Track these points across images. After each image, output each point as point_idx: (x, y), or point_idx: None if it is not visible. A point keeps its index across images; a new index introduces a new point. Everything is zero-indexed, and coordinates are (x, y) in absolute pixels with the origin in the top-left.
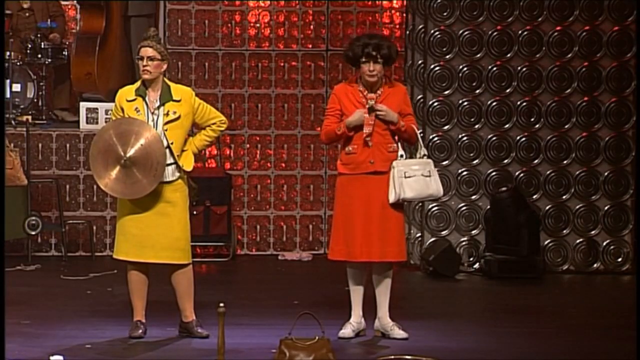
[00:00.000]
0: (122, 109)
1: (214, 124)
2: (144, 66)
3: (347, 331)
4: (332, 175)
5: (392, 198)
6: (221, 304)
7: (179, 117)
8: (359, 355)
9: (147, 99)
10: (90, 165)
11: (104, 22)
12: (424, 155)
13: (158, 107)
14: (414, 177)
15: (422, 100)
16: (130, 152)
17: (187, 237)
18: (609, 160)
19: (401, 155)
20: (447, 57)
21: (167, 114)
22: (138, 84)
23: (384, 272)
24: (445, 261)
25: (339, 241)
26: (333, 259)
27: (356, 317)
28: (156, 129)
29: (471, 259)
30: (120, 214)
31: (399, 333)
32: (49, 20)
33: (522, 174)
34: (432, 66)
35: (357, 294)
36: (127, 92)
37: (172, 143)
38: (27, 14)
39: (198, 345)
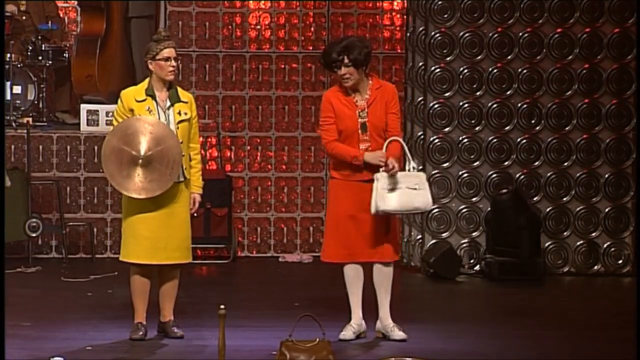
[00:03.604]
0: (132, 110)
1: (195, 153)
2: (172, 67)
3: (348, 333)
4: None
5: (372, 210)
6: (222, 306)
7: (189, 118)
8: (360, 357)
9: (157, 99)
10: (108, 176)
11: (105, 24)
12: (413, 167)
13: (169, 107)
14: (398, 191)
15: (422, 102)
16: (147, 150)
17: (190, 235)
18: (609, 162)
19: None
20: (448, 59)
21: (180, 113)
22: (145, 84)
23: (383, 272)
24: (445, 263)
25: (330, 243)
26: (325, 261)
27: (356, 319)
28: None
29: (472, 261)
30: (128, 215)
31: (398, 334)
32: (49, 22)
33: (522, 176)
34: (432, 68)
35: (355, 295)
36: (135, 92)
37: (181, 142)
38: (24, 17)
39: (199, 347)
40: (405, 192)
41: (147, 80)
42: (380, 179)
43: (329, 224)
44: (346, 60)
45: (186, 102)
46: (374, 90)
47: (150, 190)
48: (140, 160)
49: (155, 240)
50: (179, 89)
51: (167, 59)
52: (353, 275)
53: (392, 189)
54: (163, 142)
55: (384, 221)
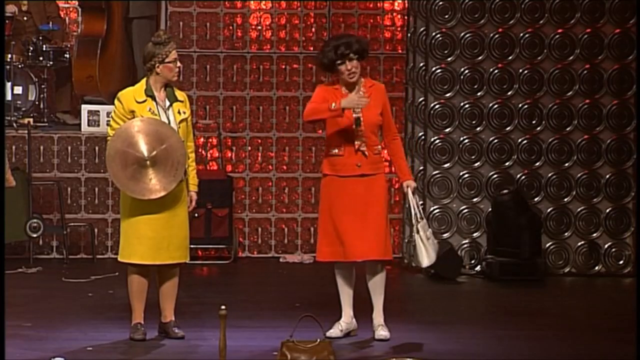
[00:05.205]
0: (133, 111)
1: (191, 151)
2: (178, 68)
3: (335, 331)
4: None
5: (425, 263)
6: (223, 307)
7: (187, 117)
8: (360, 358)
9: (157, 99)
10: (113, 179)
11: (105, 24)
12: (421, 217)
13: (168, 107)
14: (429, 241)
15: (423, 102)
16: (151, 151)
17: (189, 234)
18: (610, 163)
19: (421, 218)
20: (449, 59)
21: (179, 113)
22: (143, 85)
23: (376, 272)
24: (446, 264)
25: (324, 242)
26: (321, 260)
27: (346, 318)
28: None
29: (473, 261)
30: (131, 216)
31: (379, 334)
32: (50, 23)
33: (523, 177)
34: (433, 69)
35: (346, 294)
36: (135, 93)
37: (182, 141)
38: (25, 17)
39: (199, 347)
40: (431, 243)
41: (143, 81)
42: (421, 230)
43: (321, 223)
44: (352, 55)
45: (182, 101)
46: (367, 87)
47: (155, 191)
48: (146, 162)
49: (159, 240)
50: (174, 88)
51: (174, 60)
52: (343, 275)
53: (427, 239)
54: (167, 142)
55: (375, 220)
